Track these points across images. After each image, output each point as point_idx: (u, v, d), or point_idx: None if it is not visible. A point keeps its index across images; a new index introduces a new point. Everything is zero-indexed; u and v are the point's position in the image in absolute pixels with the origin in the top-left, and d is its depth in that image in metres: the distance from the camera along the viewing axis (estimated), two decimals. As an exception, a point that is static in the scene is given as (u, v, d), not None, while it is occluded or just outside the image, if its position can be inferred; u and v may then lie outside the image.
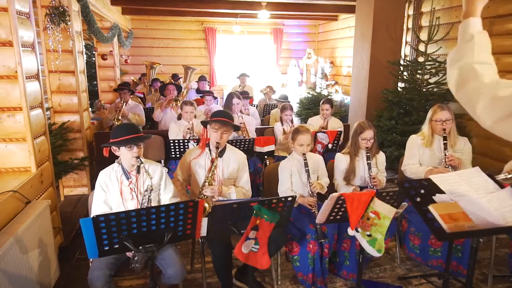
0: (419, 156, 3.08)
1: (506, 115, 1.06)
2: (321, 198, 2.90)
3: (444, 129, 2.92)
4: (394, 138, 4.70)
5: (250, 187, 2.81)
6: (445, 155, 2.88)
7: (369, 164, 2.89)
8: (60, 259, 2.80)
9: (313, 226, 2.60)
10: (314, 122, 4.54)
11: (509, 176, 2.14)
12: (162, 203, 2.41)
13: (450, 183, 1.57)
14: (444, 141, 2.91)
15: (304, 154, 2.78)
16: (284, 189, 2.85)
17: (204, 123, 2.72)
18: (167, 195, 2.41)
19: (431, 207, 1.60)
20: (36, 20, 3.22)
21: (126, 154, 2.25)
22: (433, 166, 2.99)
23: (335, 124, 4.55)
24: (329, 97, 7.30)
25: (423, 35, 5.35)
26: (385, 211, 2.16)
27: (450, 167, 2.85)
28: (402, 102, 4.85)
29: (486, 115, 1.11)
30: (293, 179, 2.87)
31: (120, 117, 4.77)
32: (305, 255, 2.62)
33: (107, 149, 2.30)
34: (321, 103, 4.54)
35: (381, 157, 3.09)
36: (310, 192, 2.72)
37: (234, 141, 3.72)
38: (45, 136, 3.00)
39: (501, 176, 2.18)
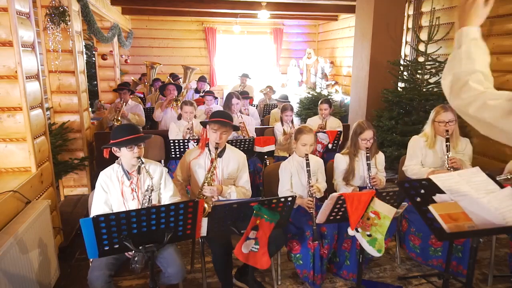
0: (421, 157, 3.06)
1: (496, 118, 1.09)
2: (321, 198, 2.90)
3: (447, 131, 2.91)
4: (394, 138, 4.69)
5: (250, 187, 2.81)
6: (448, 157, 2.87)
7: (368, 165, 2.88)
8: (60, 259, 2.80)
9: (311, 223, 2.60)
10: (313, 122, 4.54)
11: (510, 176, 2.15)
12: (162, 202, 2.42)
13: (450, 183, 1.57)
14: (447, 143, 2.90)
15: (306, 154, 2.78)
16: (283, 190, 2.85)
17: (204, 124, 2.72)
18: (167, 194, 2.41)
19: (431, 207, 1.60)
20: (36, 20, 3.22)
21: (126, 155, 2.25)
22: (435, 167, 2.99)
23: (334, 124, 4.55)
24: (328, 97, 7.29)
25: (423, 35, 5.35)
26: (385, 211, 2.16)
27: (452, 169, 2.83)
28: (402, 102, 4.85)
29: (479, 120, 1.14)
30: (293, 181, 2.87)
31: (119, 118, 4.77)
32: (306, 252, 2.63)
33: (107, 150, 2.30)
34: (319, 103, 4.54)
35: (380, 157, 3.08)
36: (309, 193, 2.71)
37: (234, 141, 3.72)
38: (45, 136, 3.00)
39: (502, 177, 2.19)
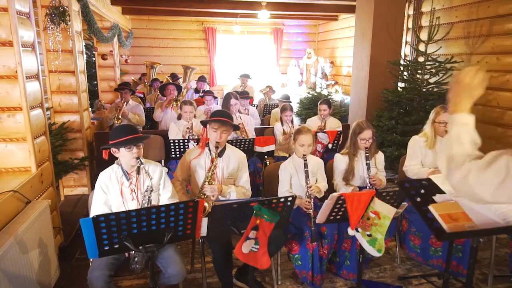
0: (421, 157, 3.06)
1: (498, 184, 1.10)
2: (321, 198, 2.90)
3: (447, 131, 2.90)
4: (394, 138, 4.69)
5: (250, 186, 2.81)
6: None
7: (368, 164, 2.88)
8: (60, 259, 2.80)
9: (310, 224, 2.60)
10: (312, 123, 4.53)
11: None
12: (160, 203, 2.41)
13: (450, 183, 1.57)
14: None
15: (304, 155, 2.78)
16: (283, 191, 2.85)
17: (204, 123, 2.72)
18: (165, 195, 2.41)
19: (431, 207, 1.61)
20: (36, 20, 3.22)
21: (125, 155, 2.25)
22: (435, 168, 2.99)
23: (334, 124, 4.54)
24: (328, 97, 7.29)
25: (423, 35, 5.35)
26: (385, 211, 2.16)
27: None
28: (402, 102, 4.85)
29: (483, 190, 1.15)
30: (293, 181, 2.87)
31: (120, 117, 4.76)
32: (305, 253, 2.63)
33: (106, 151, 2.30)
34: (318, 103, 4.53)
35: (380, 157, 3.08)
36: (307, 194, 2.71)
37: (234, 141, 3.72)
38: (45, 136, 3.00)
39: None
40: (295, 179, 2.86)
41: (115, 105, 5.10)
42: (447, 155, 1.27)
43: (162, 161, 4.31)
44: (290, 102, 5.08)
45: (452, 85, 1.33)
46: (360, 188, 2.97)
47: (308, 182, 2.71)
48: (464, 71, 1.31)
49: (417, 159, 3.07)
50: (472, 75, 1.29)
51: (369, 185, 2.87)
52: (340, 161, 3.01)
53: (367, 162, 2.88)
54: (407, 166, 3.11)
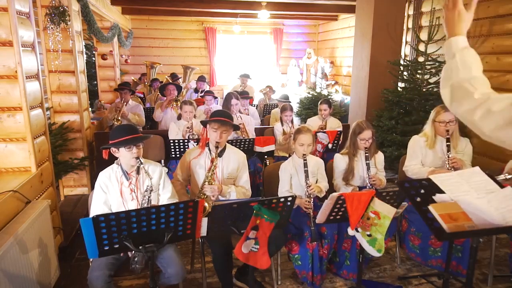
0: (421, 157, 3.06)
1: (501, 126, 1.10)
2: (321, 198, 2.90)
3: (448, 131, 2.91)
4: (394, 138, 4.69)
5: (249, 186, 2.81)
6: (448, 157, 2.87)
7: (367, 165, 2.88)
8: (60, 259, 2.80)
9: (310, 223, 2.60)
10: (313, 123, 4.54)
11: (509, 176, 2.14)
12: (160, 203, 2.41)
13: (450, 183, 1.57)
14: (447, 143, 2.90)
15: (304, 155, 2.78)
16: (283, 191, 2.85)
17: (204, 123, 2.72)
18: (165, 195, 2.41)
19: (431, 207, 1.60)
20: (36, 20, 3.22)
21: (125, 155, 2.25)
22: (436, 167, 2.99)
23: (334, 124, 4.54)
24: (328, 97, 7.29)
25: (423, 35, 5.35)
26: (385, 211, 2.16)
27: (452, 169, 2.84)
28: (402, 102, 4.85)
29: (483, 125, 1.15)
30: (293, 181, 2.87)
31: (120, 117, 4.76)
32: (305, 253, 2.62)
33: (106, 151, 2.30)
34: (319, 103, 4.54)
35: (379, 157, 3.08)
36: (306, 194, 2.71)
37: (234, 141, 3.72)
38: (45, 136, 2.99)
39: (501, 177, 2.18)
40: (295, 179, 2.86)
41: (115, 105, 5.10)
42: (453, 82, 1.23)
43: (162, 161, 4.31)
44: (290, 102, 5.08)
45: (443, 12, 1.36)
46: (360, 188, 2.97)
47: (308, 182, 2.71)
48: None
49: (417, 159, 3.07)
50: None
51: (368, 185, 2.87)
52: (340, 161, 3.01)
53: (367, 162, 2.88)
54: (407, 166, 3.11)
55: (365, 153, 2.90)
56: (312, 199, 2.71)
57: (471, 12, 1.31)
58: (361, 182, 2.99)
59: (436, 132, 3.01)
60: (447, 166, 2.86)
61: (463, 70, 1.23)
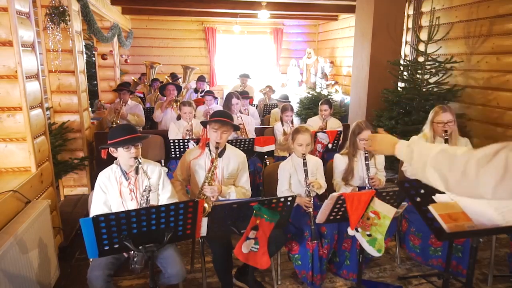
0: None
1: (500, 179, 1.05)
2: (321, 198, 2.90)
3: (446, 131, 2.91)
4: (394, 138, 4.69)
5: (249, 187, 2.81)
6: None
7: (367, 165, 2.88)
8: (60, 259, 2.80)
9: (310, 222, 2.60)
10: (313, 123, 4.54)
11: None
12: (159, 204, 2.41)
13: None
14: (447, 143, 2.89)
15: (303, 154, 2.78)
16: (282, 190, 2.85)
17: (204, 123, 2.72)
18: (164, 195, 2.41)
19: (431, 207, 1.60)
20: (36, 20, 3.22)
21: (124, 155, 2.24)
22: None
23: (334, 125, 4.54)
24: (328, 97, 7.29)
25: (423, 35, 5.35)
26: (385, 211, 2.16)
27: None
28: (402, 102, 4.85)
29: (485, 183, 1.10)
30: (292, 181, 2.87)
31: (118, 121, 4.74)
32: (305, 253, 2.63)
33: (105, 151, 2.30)
34: (319, 103, 4.54)
35: (379, 157, 3.08)
36: (306, 192, 2.71)
37: (234, 141, 3.72)
38: (45, 136, 2.99)
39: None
40: (295, 178, 2.86)
41: (114, 107, 5.07)
42: (429, 164, 1.24)
43: (162, 161, 4.31)
44: (289, 101, 5.08)
45: (373, 147, 1.60)
46: (360, 188, 2.97)
47: (308, 180, 2.71)
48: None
49: None
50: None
51: (368, 185, 2.87)
52: (340, 161, 3.01)
53: (366, 162, 2.88)
54: (405, 167, 3.11)
55: (365, 153, 2.90)
56: (312, 198, 2.71)
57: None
58: (361, 182, 2.99)
59: (435, 133, 3.01)
60: None
61: (428, 151, 1.27)
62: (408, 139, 3.30)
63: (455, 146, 1.27)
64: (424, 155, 1.27)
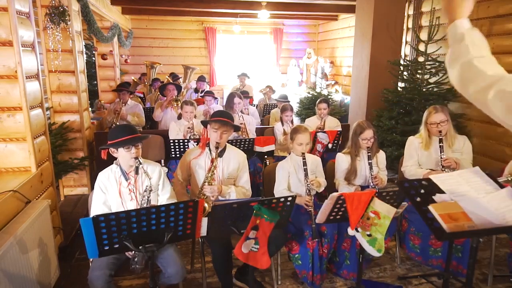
0: (417, 157, 3.08)
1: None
2: (321, 198, 2.90)
3: (440, 131, 2.91)
4: (394, 138, 4.69)
5: (250, 186, 2.81)
6: (441, 158, 2.88)
7: (370, 164, 2.88)
8: (60, 259, 2.80)
9: (311, 222, 2.60)
10: (311, 123, 4.53)
11: (510, 178, 2.15)
12: (159, 204, 2.41)
13: (450, 183, 1.57)
14: (440, 144, 2.90)
15: (303, 153, 2.78)
16: (280, 190, 2.85)
17: (204, 123, 2.72)
18: (164, 196, 2.41)
19: (431, 207, 1.60)
20: (36, 20, 3.22)
21: (124, 155, 2.24)
22: (431, 168, 3.00)
23: (332, 123, 4.54)
24: (328, 97, 7.27)
25: (423, 35, 5.35)
26: (385, 211, 2.16)
27: (446, 169, 2.84)
28: (402, 102, 4.85)
29: (496, 107, 1.09)
30: (291, 180, 2.87)
31: (118, 123, 4.73)
32: (305, 252, 2.63)
33: (104, 151, 2.30)
34: (317, 102, 4.53)
35: (381, 155, 3.09)
36: (307, 191, 2.72)
37: (234, 141, 3.72)
38: (45, 136, 2.99)
39: (502, 179, 2.19)
40: (294, 177, 2.86)
41: (114, 107, 5.06)
42: (463, 62, 1.18)
43: (162, 161, 4.31)
44: (289, 101, 5.08)
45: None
46: (363, 187, 2.98)
47: (308, 179, 2.71)
48: None
49: (413, 160, 3.08)
50: None
51: (371, 184, 2.87)
52: (342, 160, 3.01)
53: (369, 161, 2.88)
54: (404, 167, 3.13)
55: (368, 152, 2.90)
56: (313, 197, 2.71)
57: None
58: (364, 181, 2.99)
59: (430, 133, 3.01)
60: (440, 166, 2.86)
61: (473, 50, 1.19)
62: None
63: (491, 61, 1.18)
64: (464, 52, 1.19)
